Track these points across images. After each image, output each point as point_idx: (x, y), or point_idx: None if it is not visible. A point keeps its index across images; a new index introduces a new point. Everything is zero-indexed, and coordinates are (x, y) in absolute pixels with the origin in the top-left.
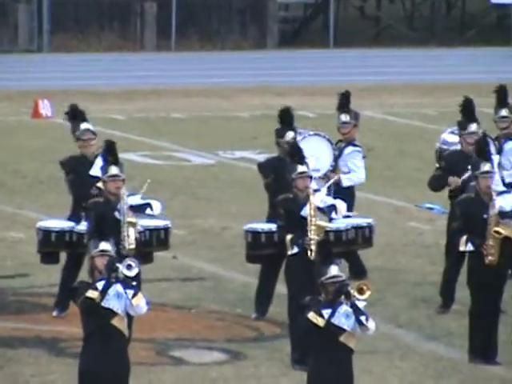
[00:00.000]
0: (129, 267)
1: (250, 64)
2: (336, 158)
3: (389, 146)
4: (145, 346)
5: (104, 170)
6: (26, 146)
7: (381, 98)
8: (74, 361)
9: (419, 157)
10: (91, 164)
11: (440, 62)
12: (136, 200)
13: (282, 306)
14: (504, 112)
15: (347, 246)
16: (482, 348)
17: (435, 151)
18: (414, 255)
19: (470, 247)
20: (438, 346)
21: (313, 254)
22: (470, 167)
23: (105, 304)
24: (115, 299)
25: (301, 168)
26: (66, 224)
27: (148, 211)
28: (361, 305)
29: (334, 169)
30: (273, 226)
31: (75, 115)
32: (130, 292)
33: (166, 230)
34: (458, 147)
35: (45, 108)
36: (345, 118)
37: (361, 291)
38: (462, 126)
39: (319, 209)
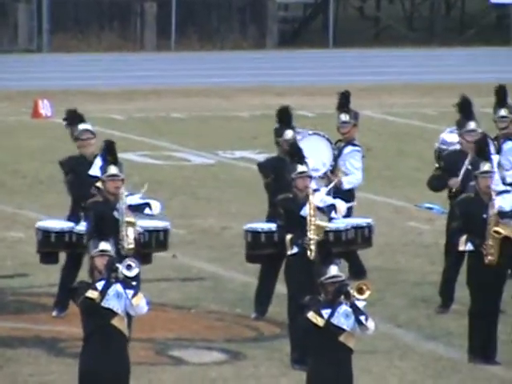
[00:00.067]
0: (129, 267)
1: (250, 64)
2: (335, 158)
3: (388, 146)
4: (144, 346)
5: (103, 169)
6: (26, 146)
7: (380, 98)
8: (74, 361)
9: (419, 157)
10: (90, 164)
11: (439, 62)
12: (135, 200)
13: (282, 305)
14: (503, 112)
15: (347, 245)
16: (482, 348)
17: (434, 151)
18: (414, 255)
19: (469, 247)
20: (438, 346)
21: (312, 253)
22: (466, 162)
23: (105, 304)
24: (115, 299)
25: (300, 168)
26: (66, 224)
27: (147, 211)
28: (360, 305)
29: (334, 168)
30: (273, 226)
31: (73, 121)
32: (130, 292)
33: (166, 231)
34: (458, 147)
35: (45, 108)
36: (344, 117)
37: (360, 291)
38: (461, 125)
39: (319, 208)
